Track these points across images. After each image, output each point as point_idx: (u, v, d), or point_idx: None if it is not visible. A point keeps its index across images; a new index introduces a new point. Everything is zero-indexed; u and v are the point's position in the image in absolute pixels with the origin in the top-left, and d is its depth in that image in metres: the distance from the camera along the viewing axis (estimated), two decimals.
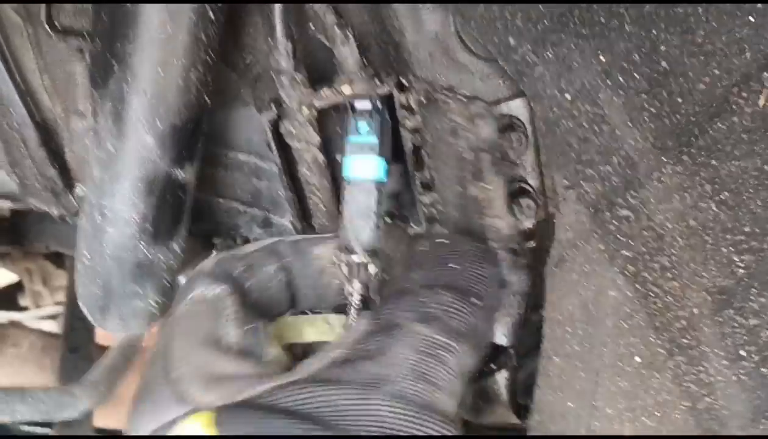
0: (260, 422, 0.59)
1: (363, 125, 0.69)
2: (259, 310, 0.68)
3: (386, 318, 0.65)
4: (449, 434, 0.61)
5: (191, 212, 0.77)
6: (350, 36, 0.68)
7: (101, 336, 1.39)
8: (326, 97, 0.68)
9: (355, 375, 0.62)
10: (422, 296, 0.66)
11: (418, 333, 0.64)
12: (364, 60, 0.70)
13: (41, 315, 1.69)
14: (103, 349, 1.40)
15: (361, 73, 0.69)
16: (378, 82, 0.69)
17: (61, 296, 1.64)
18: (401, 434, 0.59)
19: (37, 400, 0.85)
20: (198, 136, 0.71)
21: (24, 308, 1.72)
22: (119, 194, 0.69)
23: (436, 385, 0.62)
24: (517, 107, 0.72)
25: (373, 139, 0.65)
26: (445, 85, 0.69)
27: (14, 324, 1.72)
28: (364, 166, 0.68)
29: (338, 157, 0.74)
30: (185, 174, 0.71)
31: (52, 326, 1.71)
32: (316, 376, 0.62)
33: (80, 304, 0.78)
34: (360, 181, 0.68)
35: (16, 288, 1.71)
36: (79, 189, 0.81)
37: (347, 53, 0.68)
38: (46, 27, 0.72)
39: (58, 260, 1.56)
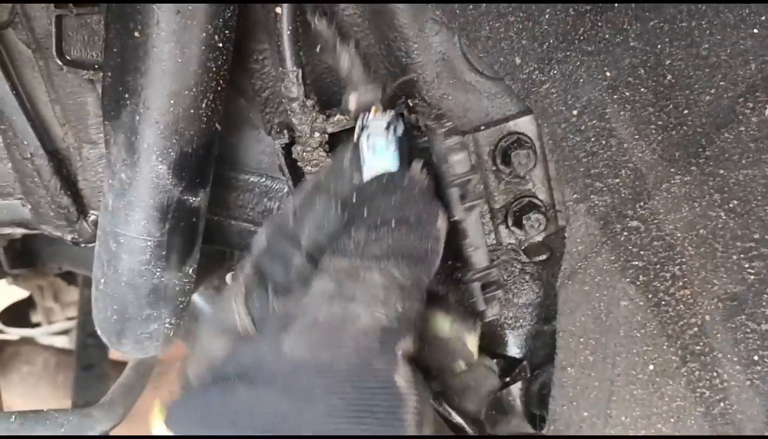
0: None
1: (380, 143, 0.70)
2: None
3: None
4: None
5: (203, 234, 0.78)
6: (353, 50, 0.68)
7: (115, 352, 1.40)
8: (337, 121, 0.69)
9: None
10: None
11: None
12: (369, 71, 0.70)
13: (53, 331, 1.70)
14: (116, 364, 1.41)
15: (369, 83, 0.69)
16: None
17: (72, 312, 1.65)
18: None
19: (55, 422, 0.86)
20: (210, 162, 0.71)
21: (36, 325, 1.73)
22: (133, 222, 0.70)
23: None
24: (524, 124, 0.72)
25: (390, 157, 0.65)
26: (437, 113, 0.69)
27: (27, 341, 1.73)
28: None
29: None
30: (198, 199, 0.72)
31: (65, 342, 1.72)
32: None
33: (97, 328, 0.79)
34: None
35: (28, 305, 1.72)
36: (93, 216, 0.82)
37: (350, 66, 0.68)
38: (57, 60, 0.73)
39: (70, 276, 1.56)
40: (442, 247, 0.63)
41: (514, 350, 0.83)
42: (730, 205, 0.70)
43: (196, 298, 1.10)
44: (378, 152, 0.70)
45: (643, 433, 0.78)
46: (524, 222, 0.73)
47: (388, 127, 0.69)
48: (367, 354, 0.55)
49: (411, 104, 0.69)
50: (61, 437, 0.51)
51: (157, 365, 1.04)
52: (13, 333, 1.72)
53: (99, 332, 0.79)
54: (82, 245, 0.86)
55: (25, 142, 0.77)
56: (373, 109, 0.69)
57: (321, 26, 0.68)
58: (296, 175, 0.72)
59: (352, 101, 0.69)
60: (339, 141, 0.72)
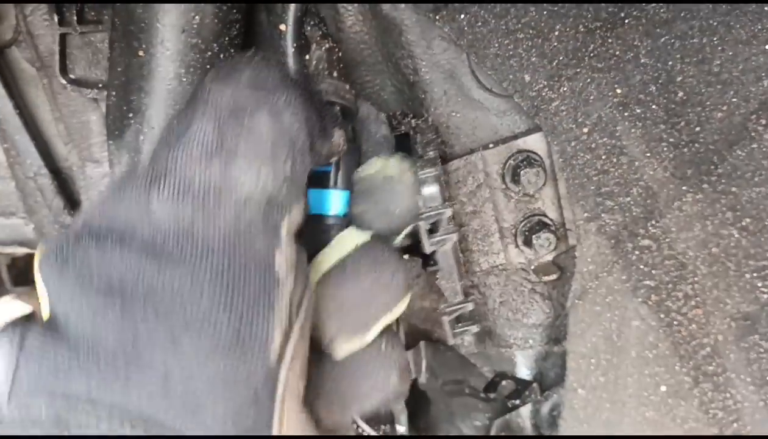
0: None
1: None
2: None
3: None
4: None
5: None
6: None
7: None
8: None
9: None
10: None
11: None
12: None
13: None
14: None
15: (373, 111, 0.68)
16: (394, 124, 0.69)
17: None
18: None
19: None
20: None
21: None
22: None
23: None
24: (534, 142, 0.71)
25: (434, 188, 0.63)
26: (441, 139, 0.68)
27: None
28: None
29: None
30: None
31: None
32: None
33: None
34: None
35: (30, 320, 1.70)
36: None
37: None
38: (61, 78, 0.72)
39: None
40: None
41: (523, 371, 0.81)
42: (743, 223, 0.69)
43: None
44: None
45: None
46: (534, 241, 0.72)
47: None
48: (246, 229, 0.48)
49: (414, 125, 0.68)
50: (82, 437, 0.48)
51: None
52: None
53: None
54: None
55: (29, 161, 0.76)
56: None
57: (318, 55, 0.67)
58: None
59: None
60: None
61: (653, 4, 0.66)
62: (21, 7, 0.72)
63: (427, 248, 0.61)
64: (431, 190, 0.60)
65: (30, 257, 1.03)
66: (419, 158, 0.64)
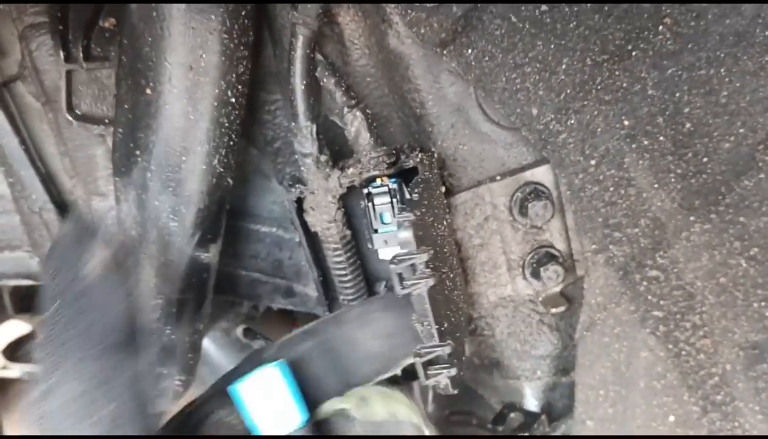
0: None
1: (386, 215, 0.70)
2: None
3: None
4: None
5: (214, 285, 0.76)
6: (359, 115, 0.68)
7: None
8: (350, 176, 0.67)
9: None
10: None
11: None
12: (376, 139, 0.69)
13: None
14: None
15: (374, 153, 0.68)
16: (400, 159, 0.68)
17: None
18: None
19: None
20: (221, 217, 0.70)
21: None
22: (144, 280, 0.68)
23: None
24: (541, 174, 0.71)
25: (408, 234, 0.62)
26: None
27: (31, 378, 1.70)
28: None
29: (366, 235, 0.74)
30: (209, 255, 0.70)
31: None
32: None
33: None
34: None
35: (31, 339, 1.69)
36: None
37: (357, 133, 0.68)
38: (66, 115, 0.72)
39: None
40: None
41: (531, 402, 0.81)
42: (751, 253, 0.69)
43: (204, 340, 1.09)
44: (386, 220, 0.70)
45: None
46: (542, 273, 0.72)
47: (393, 195, 0.69)
48: None
49: (420, 159, 0.67)
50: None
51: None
52: (16, 369, 1.70)
53: None
54: None
55: (34, 196, 0.76)
56: (378, 179, 0.69)
57: (330, 84, 0.67)
58: (307, 227, 0.71)
59: (356, 172, 0.68)
60: (351, 193, 0.71)
61: (660, 37, 0.66)
62: (27, 41, 0.72)
63: (399, 292, 0.61)
64: (405, 235, 0.60)
65: (31, 286, 1.03)
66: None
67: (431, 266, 0.60)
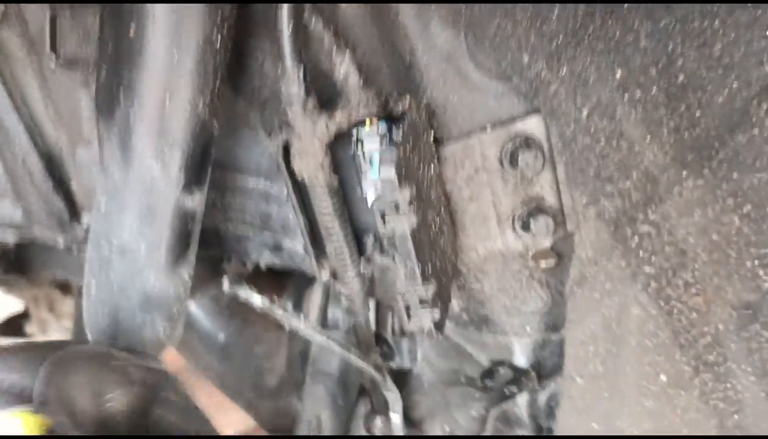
0: None
1: (375, 158, 0.68)
2: None
3: None
4: None
5: (200, 239, 0.75)
6: (348, 58, 0.67)
7: None
8: (338, 121, 0.67)
9: None
10: None
11: None
12: (365, 81, 0.68)
13: None
14: None
15: (363, 95, 0.67)
16: (389, 104, 0.67)
17: (67, 323, 1.62)
18: None
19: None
20: (207, 163, 0.69)
21: (30, 336, 1.70)
22: (127, 224, 0.67)
23: None
24: (533, 125, 0.70)
25: (390, 171, 0.61)
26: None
27: None
28: None
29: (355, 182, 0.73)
30: (193, 202, 0.69)
31: None
32: None
33: (88, 335, 0.76)
34: None
35: (22, 315, 1.69)
36: (86, 219, 0.80)
37: (345, 75, 0.67)
38: (51, 59, 0.71)
39: (65, 286, 1.54)
40: None
41: (520, 359, 0.80)
42: (744, 210, 0.68)
43: (192, 307, 1.08)
44: (374, 164, 0.69)
45: None
46: (532, 225, 0.71)
47: (383, 138, 0.68)
48: None
49: (409, 104, 0.67)
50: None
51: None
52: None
53: (90, 338, 0.77)
54: (75, 250, 0.84)
55: (18, 143, 0.75)
56: (367, 121, 0.68)
57: (317, 28, 0.66)
58: (294, 176, 0.70)
59: (345, 114, 0.67)
60: (339, 140, 0.70)
61: None
62: None
63: (381, 231, 0.60)
64: (387, 171, 0.59)
65: (21, 247, 1.02)
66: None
67: (415, 204, 0.59)
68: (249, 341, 1.06)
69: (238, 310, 1.08)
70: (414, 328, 0.64)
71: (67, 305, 1.62)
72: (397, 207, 0.59)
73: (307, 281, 1.00)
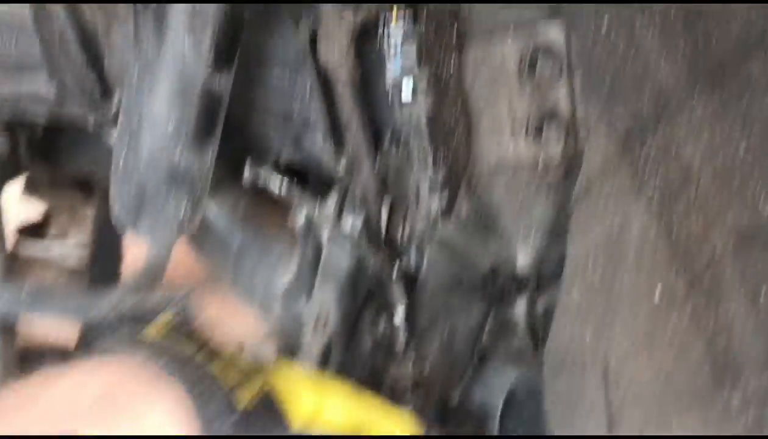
0: None
1: (399, 48, 0.69)
2: None
3: None
4: None
5: (222, 132, 0.78)
6: None
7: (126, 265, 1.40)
8: (366, 10, 0.68)
9: None
10: None
11: None
12: None
13: (67, 248, 1.70)
14: None
15: None
16: None
17: (87, 229, 1.65)
18: None
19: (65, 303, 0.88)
20: (235, 45, 0.71)
21: (48, 240, 1.73)
22: (157, 98, 0.70)
23: None
24: (553, 33, 0.72)
25: (411, 49, 0.63)
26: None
27: (38, 258, 1.74)
28: None
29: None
30: (220, 85, 0.72)
31: (78, 261, 1.73)
32: None
33: (114, 211, 0.79)
34: None
35: (44, 222, 1.73)
36: (117, 98, 0.82)
37: None
38: None
39: (87, 191, 1.57)
40: None
41: (523, 267, 0.83)
42: (751, 138, 0.69)
43: (210, 210, 1.10)
44: (398, 54, 0.70)
45: (643, 363, 0.77)
46: (544, 132, 0.73)
47: (408, 26, 0.69)
48: None
49: None
50: None
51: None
52: (28, 247, 1.73)
53: (116, 215, 0.80)
54: (103, 132, 0.87)
55: (56, 20, 0.77)
56: (394, 12, 0.69)
57: None
58: (319, 67, 0.72)
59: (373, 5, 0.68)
60: (366, 36, 0.71)
61: None
62: None
63: (397, 113, 0.61)
64: (409, 48, 0.60)
65: (49, 134, 1.05)
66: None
67: (433, 90, 0.61)
68: (262, 249, 1.08)
69: (252, 219, 1.10)
70: (423, 212, 0.66)
71: (87, 210, 1.64)
72: (415, 89, 0.61)
73: (323, 189, 1.02)
